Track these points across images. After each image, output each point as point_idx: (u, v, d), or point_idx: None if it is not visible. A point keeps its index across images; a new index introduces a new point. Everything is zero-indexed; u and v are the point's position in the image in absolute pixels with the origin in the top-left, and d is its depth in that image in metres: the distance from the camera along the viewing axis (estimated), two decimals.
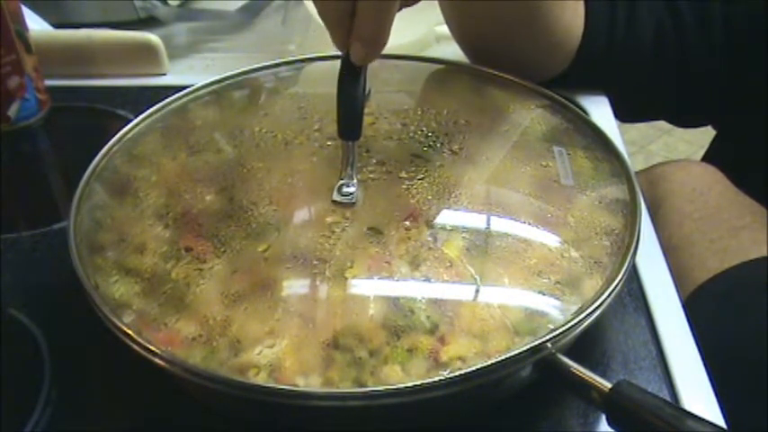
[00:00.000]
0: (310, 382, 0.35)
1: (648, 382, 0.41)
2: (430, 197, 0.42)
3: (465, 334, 0.36)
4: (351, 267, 0.38)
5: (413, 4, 0.45)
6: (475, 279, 0.39)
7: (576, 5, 0.58)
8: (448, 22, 0.61)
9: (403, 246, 0.39)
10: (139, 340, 0.36)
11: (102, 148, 0.48)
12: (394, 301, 0.37)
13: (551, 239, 0.42)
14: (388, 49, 0.43)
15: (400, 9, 0.44)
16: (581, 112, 0.51)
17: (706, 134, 0.75)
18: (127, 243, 0.41)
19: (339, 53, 0.43)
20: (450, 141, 0.47)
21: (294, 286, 0.39)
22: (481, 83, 0.54)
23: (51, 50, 0.66)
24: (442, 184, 0.43)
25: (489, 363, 0.34)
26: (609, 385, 0.34)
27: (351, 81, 0.42)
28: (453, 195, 0.43)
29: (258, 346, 0.36)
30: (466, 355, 0.35)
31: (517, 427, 0.39)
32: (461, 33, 0.61)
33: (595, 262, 0.40)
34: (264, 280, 0.38)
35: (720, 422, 0.38)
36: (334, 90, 0.42)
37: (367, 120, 0.45)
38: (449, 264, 0.39)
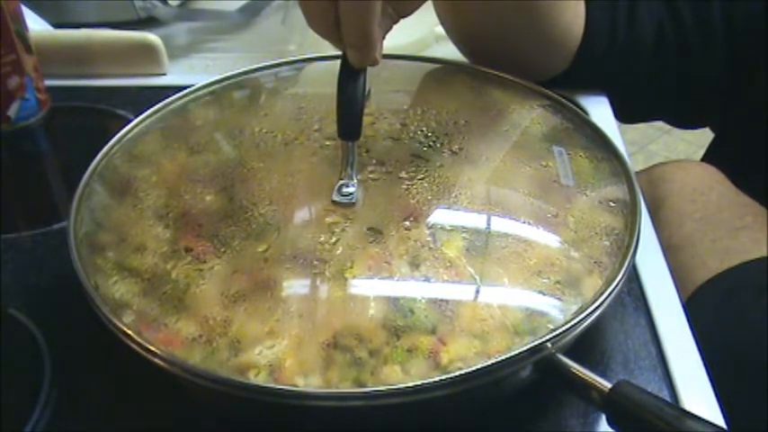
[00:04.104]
0: (310, 383, 0.35)
1: (648, 382, 0.41)
2: (430, 197, 0.42)
3: (465, 334, 0.36)
4: (351, 267, 0.38)
5: (407, 14, 0.45)
6: (475, 279, 0.39)
7: (576, 5, 0.58)
8: (443, 23, 0.61)
9: (403, 246, 0.39)
10: (139, 340, 0.36)
11: (102, 148, 0.48)
12: (394, 301, 0.37)
13: (551, 239, 0.42)
14: (388, 49, 0.43)
15: (397, 21, 0.44)
16: (581, 112, 0.51)
17: (706, 134, 0.75)
18: (127, 243, 0.41)
19: (339, 53, 0.43)
20: (450, 141, 0.47)
21: (294, 286, 0.39)
22: (481, 83, 0.54)
23: (51, 50, 0.66)
24: (442, 184, 0.43)
25: (489, 363, 0.34)
26: (609, 385, 0.34)
27: (351, 81, 0.42)
28: (453, 195, 0.43)
29: (258, 346, 0.36)
30: (466, 355, 0.35)
31: (517, 427, 0.39)
32: (457, 34, 0.61)
33: (595, 262, 0.40)
34: (264, 280, 0.38)
35: (720, 422, 0.38)
36: (334, 90, 0.42)
37: (367, 120, 0.45)
38: (449, 264, 0.39)
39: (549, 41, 0.58)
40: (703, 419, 0.33)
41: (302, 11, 0.42)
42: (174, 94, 0.52)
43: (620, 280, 0.38)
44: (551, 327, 0.36)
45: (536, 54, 0.59)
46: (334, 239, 0.40)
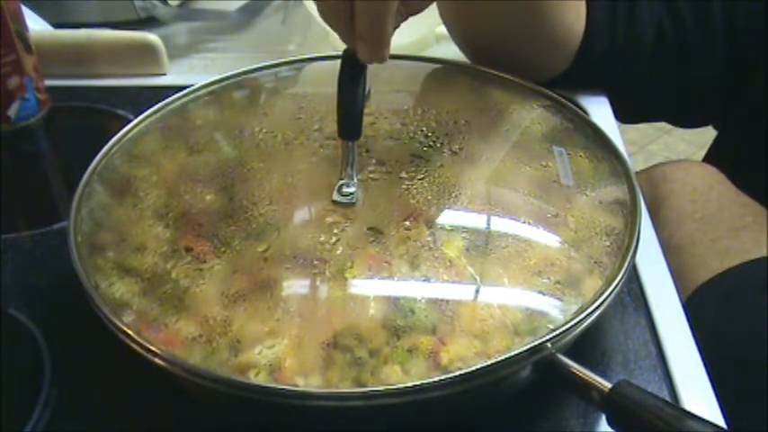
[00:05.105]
0: (310, 382, 0.35)
1: (648, 382, 0.41)
2: (430, 197, 0.42)
3: (465, 334, 0.36)
4: (351, 267, 0.38)
5: (416, 13, 0.45)
6: (475, 279, 0.39)
7: (577, 6, 0.58)
8: (446, 23, 0.61)
9: (403, 246, 0.39)
10: (139, 340, 0.36)
11: (102, 148, 0.48)
12: (394, 301, 0.37)
13: (551, 239, 0.42)
14: None
15: (406, 18, 0.44)
16: (581, 112, 0.51)
17: (706, 134, 0.75)
18: (127, 243, 0.41)
19: (339, 53, 0.43)
20: (450, 141, 0.46)
21: (294, 286, 0.39)
22: (481, 83, 0.54)
23: (51, 50, 0.66)
24: (442, 184, 0.43)
25: (489, 363, 0.34)
26: (609, 385, 0.34)
27: (351, 81, 0.42)
28: (453, 195, 0.43)
29: (258, 346, 0.36)
30: (466, 355, 0.35)
31: (517, 427, 0.39)
32: (461, 34, 0.61)
33: (595, 262, 0.40)
34: (264, 280, 0.38)
35: (720, 422, 0.38)
36: (334, 90, 0.42)
37: (367, 120, 0.45)
38: (449, 264, 0.39)
39: (551, 42, 0.58)
40: (703, 419, 0.33)
41: (315, 1, 0.42)
42: (174, 94, 0.52)
43: (620, 280, 0.38)
44: (551, 327, 0.36)
45: (538, 55, 0.59)
46: (334, 239, 0.40)
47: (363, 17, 0.40)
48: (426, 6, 0.45)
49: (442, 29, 0.63)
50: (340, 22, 0.41)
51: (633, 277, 0.47)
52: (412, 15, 0.45)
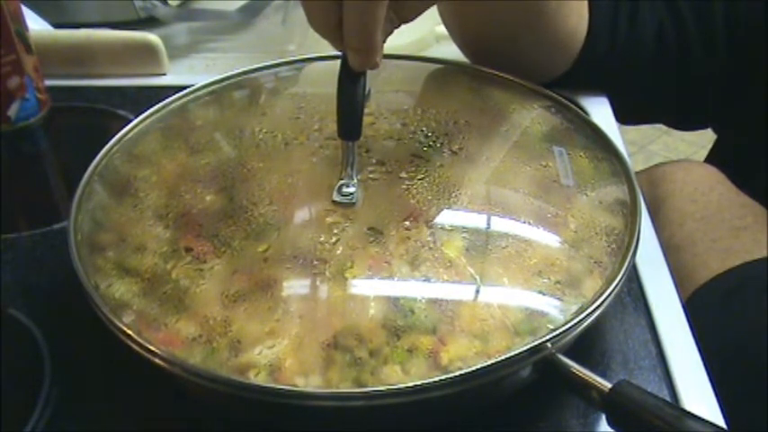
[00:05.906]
0: (310, 383, 0.35)
1: (648, 382, 0.41)
2: (430, 197, 0.42)
3: (465, 334, 0.36)
4: (351, 267, 0.38)
5: (410, 20, 0.45)
6: (475, 279, 0.39)
7: (580, 7, 0.58)
8: (446, 25, 0.61)
9: (403, 246, 0.39)
10: (139, 340, 0.36)
11: (102, 148, 0.48)
12: (394, 301, 0.37)
13: (551, 239, 0.42)
14: (388, 49, 0.43)
15: (398, 26, 0.44)
16: (581, 113, 0.51)
17: (706, 134, 0.75)
18: (127, 243, 0.41)
19: (339, 53, 0.43)
20: (450, 141, 0.46)
21: (294, 286, 0.39)
22: (481, 83, 0.54)
23: (51, 50, 0.66)
24: (442, 184, 0.43)
25: (489, 363, 0.34)
26: (609, 385, 0.34)
27: (351, 81, 0.42)
28: (453, 195, 0.43)
29: (258, 346, 0.36)
30: (466, 355, 0.35)
31: (517, 427, 0.39)
32: (461, 36, 0.61)
33: (595, 262, 0.40)
34: (264, 280, 0.38)
35: (720, 422, 0.38)
36: (334, 90, 0.42)
37: (367, 120, 0.45)
38: (449, 264, 0.39)
39: (553, 45, 0.58)
40: (703, 419, 0.33)
41: (304, 10, 0.42)
42: (174, 94, 0.52)
43: (620, 280, 0.38)
44: (551, 327, 0.36)
45: (540, 57, 0.59)
46: (334, 239, 0.40)
47: (351, 27, 0.40)
48: (420, 13, 0.45)
49: (442, 29, 0.63)
50: (328, 31, 0.41)
51: (633, 277, 0.47)
52: (405, 23, 0.45)
